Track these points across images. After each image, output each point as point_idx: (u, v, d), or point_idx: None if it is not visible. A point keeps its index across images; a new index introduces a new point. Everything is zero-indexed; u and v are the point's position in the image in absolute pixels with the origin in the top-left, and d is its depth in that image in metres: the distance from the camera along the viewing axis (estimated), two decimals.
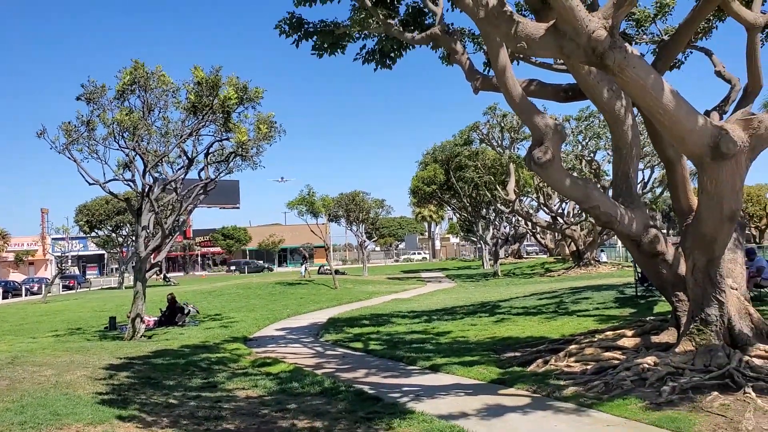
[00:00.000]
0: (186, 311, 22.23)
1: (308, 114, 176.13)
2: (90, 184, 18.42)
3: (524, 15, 14.46)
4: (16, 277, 72.60)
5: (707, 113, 13.81)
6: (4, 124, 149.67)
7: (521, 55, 14.11)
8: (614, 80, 9.31)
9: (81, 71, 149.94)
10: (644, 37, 18.17)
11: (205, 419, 8.40)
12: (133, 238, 61.49)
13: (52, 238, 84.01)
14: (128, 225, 58.43)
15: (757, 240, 64.74)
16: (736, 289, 11.20)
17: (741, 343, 10.24)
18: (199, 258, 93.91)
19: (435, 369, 11.85)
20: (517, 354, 12.68)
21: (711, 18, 15.89)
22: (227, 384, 11.06)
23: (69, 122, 18.06)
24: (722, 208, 9.32)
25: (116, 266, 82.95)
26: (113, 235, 61.13)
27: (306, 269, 46.63)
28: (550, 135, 9.96)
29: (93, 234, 62.91)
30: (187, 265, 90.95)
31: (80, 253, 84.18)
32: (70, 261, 73.72)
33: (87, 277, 69.16)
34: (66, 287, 55.80)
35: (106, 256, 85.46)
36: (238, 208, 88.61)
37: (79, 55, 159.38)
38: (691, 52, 18.18)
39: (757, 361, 9.73)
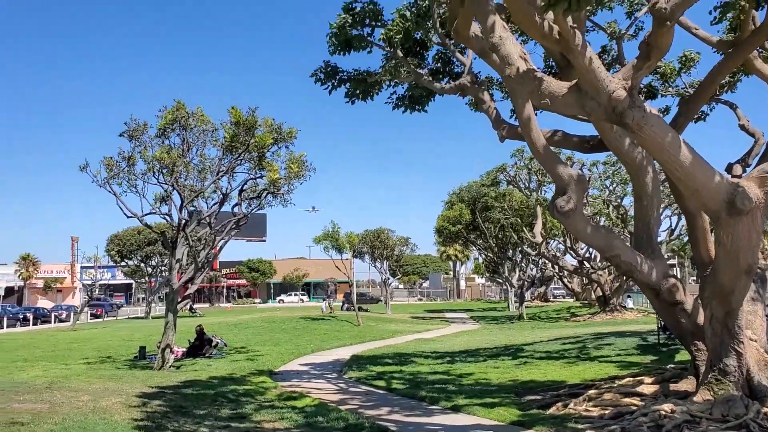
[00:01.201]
0: (214, 343, 22.71)
1: (336, 149, 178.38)
2: (128, 217, 19.19)
3: (552, 67, 15.03)
4: (44, 303, 74.02)
5: (730, 166, 14.17)
6: (38, 153, 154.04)
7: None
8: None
9: (112, 106, 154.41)
10: (670, 89, 18.59)
11: None
12: (162, 269, 62.71)
13: (81, 266, 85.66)
14: (158, 256, 59.47)
15: None
16: (756, 341, 11.37)
17: (760, 394, 10.38)
18: (225, 290, 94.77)
19: (456, 409, 12.12)
20: (538, 397, 12.90)
21: (736, 71, 16.24)
22: (255, 416, 11.46)
23: (111, 157, 18.90)
24: (739, 262, 9.62)
25: (143, 296, 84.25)
26: (143, 265, 62.19)
27: (328, 305, 46.97)
28: (572, 185, 10.38)
29: (123, 263, 64.06)
30: (212, 296, 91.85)
31: (108, 282, 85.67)
32: (97, 290, 75.05)
33: (113, 304, 70.12)
34: (94, 315, 56.75)
35: (134, 285, 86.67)
36: (264, 241, 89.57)
37: (115, 92, 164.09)
38: (717, 105, 18.57)
39: None
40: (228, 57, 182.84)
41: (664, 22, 8.15)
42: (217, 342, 23.19)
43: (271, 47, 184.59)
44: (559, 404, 11.85)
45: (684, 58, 17.86)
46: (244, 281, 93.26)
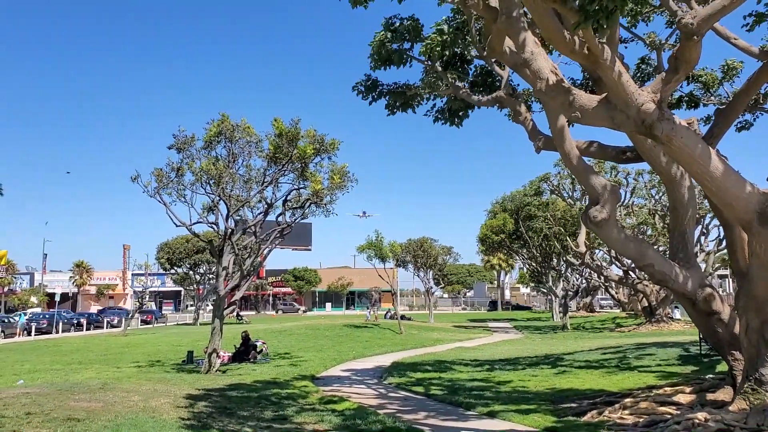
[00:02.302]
0: (258, 349, 23.36)
1: (378, 160, 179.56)
2: (177, 225, 19.95)
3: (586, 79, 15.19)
4: (96, 310, 76.35)
5: None
6: (92, 163, 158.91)
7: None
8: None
9: (159, 118, 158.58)
10: (712, 99, 18.48)
11: None
12: (209, 277, 64.16)
13: (132, 274, 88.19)
14: (206, 263, 60.86)
15: None
16: None
17: None
18: (271, 297, 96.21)
19: (492, 415, 12.35)
20: (574, 405, 13.03)
21: None
22: (296, 417, 11.89)
23: (160, 169, 19.72)
24: None
25: (191, 303, 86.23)
26: (191, 272, 63.73)
27: (372, 313, 47.43)
28: (606, 195, 10.59)
29: (172, 271, 65.73)
30: (258, 304, 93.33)
31: (158, 289, 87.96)
32: (148, 296, 77.10)
33: (163, 312, 72.00)
34: (144, 321, 58.38)
35: (182, 292, 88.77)
36: (309, 250, 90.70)
37: (164, 105, 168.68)
38: (761, 114, 18.41)
39: None
40: (272, 71, 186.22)
41: (691, 37, 8.33)
42: (262, 348, 23.81)
43: (313, 61, 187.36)
44: (594, 412, 11.97)
45: (726, 67, 17.77)
46: (289, 289, 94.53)
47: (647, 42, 16.86)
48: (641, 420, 11.01)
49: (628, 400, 12.43)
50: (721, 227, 41.31)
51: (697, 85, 18.22)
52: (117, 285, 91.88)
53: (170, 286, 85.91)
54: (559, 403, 13.33)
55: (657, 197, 44.20)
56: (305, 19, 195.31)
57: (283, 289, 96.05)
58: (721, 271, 64.90)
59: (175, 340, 33.46)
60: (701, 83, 18.08)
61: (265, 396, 14.32)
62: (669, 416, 10.90)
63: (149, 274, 78.50)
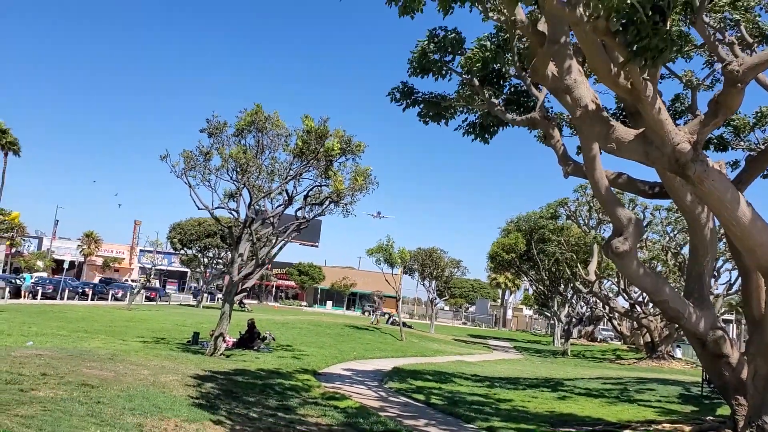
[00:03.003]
0: (262, 337, 23.58)
1: (400, 163, 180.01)
2: (199, 208, 20.25)
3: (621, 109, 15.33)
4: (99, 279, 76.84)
5: None
6: (112, 137, 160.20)
7: None
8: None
9: (187, 100, 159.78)
10: (741, 143, 18.54)
11: None
12: (218, 261, 64.57)
13: (140, 249, 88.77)
14: (215, 248, 61.27)
15: None
16: None
17: None
18: (274, 289, 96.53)
19: (491, 430, 12.48)
20: (573, 430, 13.14)
21: None
22: (299, 409, 12.08)
23: (190, 151, 20.02)
24: None
25: (195, 285, 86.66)
26: (199, 255, 64.16)
27: (376, 316, 47.66)
28: (630, 228, 10.73)
29: (182, 252, 66.17)
30: (261, 294, 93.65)
31: (165, 268, 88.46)
32: (153, 274, 77.64)
33: (167, 291, 72.44)
34: (148, 298, 58.82)
35: (188, 273, 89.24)
36: (317, 246, 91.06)
37: (193, 88, 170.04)
38: None
39: None
40: (306, 68, 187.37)
41: (734, 84, 8.49)
42: (266, 336, 24.03)
43: (348, 63, 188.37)
44: None
45: (760, 114, 17.83)
46: (292, 283, 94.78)
47: (683, 80, 16.97)
48: None
49: (626, 431, 12.55)
50: (733, 272, 41.36)
51: (728, 129, 18.29)
52: (124, 259, 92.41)
53: (176, 266, 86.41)
54: (558, 427, 13.43)
55: (672, 234, 44.13)
56: (346, 21, 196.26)
57: (287, 282, 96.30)
58: (726, 316, 64.60)
59: (179, 320, 33.79)
60: (732, 127, 18.15)
61: (269, 385, 14.53)
62: None
63: (157, 252, 79.13)
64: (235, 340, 22.88)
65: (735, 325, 64.02)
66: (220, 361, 18.03)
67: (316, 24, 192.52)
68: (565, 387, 21.16)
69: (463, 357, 33.37)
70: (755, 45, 14.38)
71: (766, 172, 18.45)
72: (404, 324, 43.64)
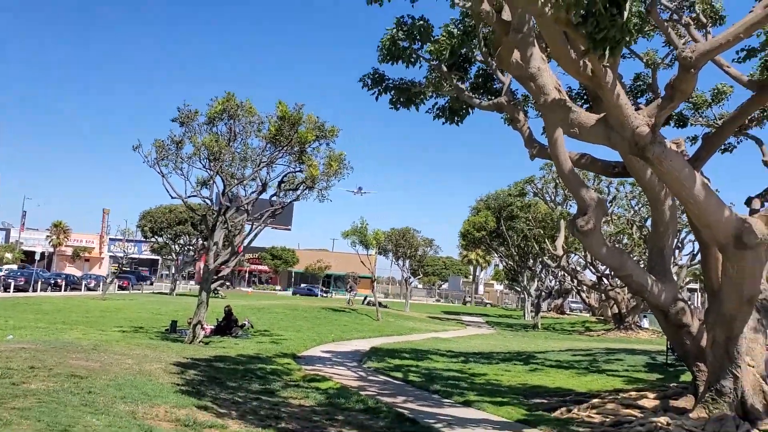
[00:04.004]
0: (241, 324, 23.89)
1: (371, 146, 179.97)
2: (172, 197, 20.41)
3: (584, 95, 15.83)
4: (72, 271, 76.09)
5: (750, 199, 14.89)
6: (78, 124, 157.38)
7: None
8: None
9: (158, 88, 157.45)
10: (700, 119, 19.22)
11: (267, 417, 9.84)
12: (189, 248, 64.39)
13: (110, 238, 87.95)
14: (186, 235, 61.09)
15: None
16: (754, 367, 12.12)
17: (752, 416, 11.14)
18: (247, 274, 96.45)
19: (467, 404, 13.05)
20: (545, 401, 13.76)
21: (765, 108, 16.82)
22: (282, 392, 12.49)
23: (162, 140, 20.12)
24: (742, 292, 10.41)
25: (166, 272, 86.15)
26: (171, 243, 63.91)
27: (349, 298, 48.28)
28: (593, 207, 11.21)
29: (153, 239, 65.82)
30: (234, 279, 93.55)
31: (135, 256, 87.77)
32: (122, 262, 77.07)
33: (144, 278, 72.15)
34: (120, 287, 58.53)
35: (159, 261, 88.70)
36: (289, 229, 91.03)
37: (160, 77, 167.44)
38: (744, 139, 19.17)
39: None
40: (277, 53, 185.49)
41: (688, 69, 8.97)
42: (245, 323, 24.32)
43: (320, 46, 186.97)
44: (564, 409, 12.70)
45: (716, 91, 18.48)
46: (266, 267, 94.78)
47: (644, 60, 17.53)
48: (607, 420, 11.75)
49: (595, 400, 13.17)
50: (694, 243, 42.55)
51: (687, 105, 18.92)
52: (94, 248, 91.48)
53: (147, 254, 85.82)
54: (531, 398, 14.05)
55: (636, 208, 45.24)
56: (314, 7, 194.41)
57: (260, 267, 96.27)
58: (691, 285, 66.42)
59: (154, 308, 33.86)
60: (691, 104, 18.79)
61: (250, 370, 14.89)
62: (633, 418, 11.64)
63: (127, 240, 78.46)
64: (213, 327, 23.13)
65: (699, 294, 65.85)
66: (199, 348, 18.33)
67: (288, 11, 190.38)
68: (536, 360, 21.88)
69: (438, 334, 34.07)
70: (710, 25, 14.96)
71: (723, 147, 19.25)
72: (380, 304, 44.20)
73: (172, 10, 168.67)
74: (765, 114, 17.56)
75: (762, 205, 14.59)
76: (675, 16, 14.86)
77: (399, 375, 16.72)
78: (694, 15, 14.89)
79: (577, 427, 11.09)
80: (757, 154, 16.86)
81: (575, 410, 12.48)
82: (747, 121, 18.22)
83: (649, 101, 17.16)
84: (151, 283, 65.67)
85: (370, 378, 16.17)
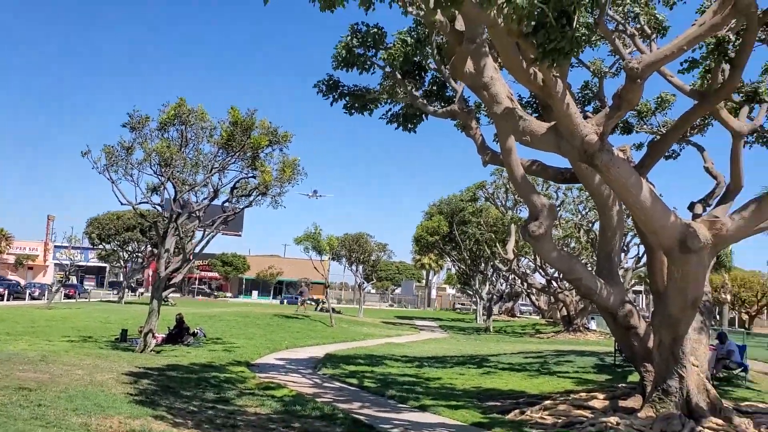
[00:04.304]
0: (193, 332, 23.54)
1: (324, 151, 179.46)
2: (122, 204, 20.03)
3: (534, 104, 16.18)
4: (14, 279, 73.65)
5: (692, 204, 15.43)
6: (22, 132, 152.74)
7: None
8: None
9: (109, 96, 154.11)
10: (644, 127, 19.83)
11: (223, 426, 9.78)
12: (138, 255, 63.08)
13: (55, 246, 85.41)
14: (135, 242, 59.89)
15: (747, 326, 65.70)
16: (698, 367, 12.57)
17: (697, 414, 11.57)
18: (197, 282, 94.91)
19: (423, 408, 13.16)
20: (498, 403, 14.00)
21: (706, 117, 17.46)
22: (237, 401, 12.38)
23: (111, 146, 19.73)
24: (686, 295, 10.81)
25: (114, 279, 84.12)
26: (119, 250, 62.53)
27: (301, 304, 47.99)
28: (545, 213, 11.50)
29: (100, 247, 64.29)
30: (184, 287, 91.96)
31: (81, 264, 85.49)
32: (69, 270, 75.04)
33: (86, 288, 70.19)
34: (67, 296, 57.00)
35: (107, 269, 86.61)
36: (239, 235, 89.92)
37: (110, 85, 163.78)
38: (686, 145, 19.86)
39: None
40: (231, 59, 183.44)
41: (635, 80, 9.30)
42: (197, 332, 23.97)
43: (273, 53, 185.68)
44: (517, 411, 12.94)
45: (660, 99, 19.11)
46: (216, 274, 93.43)
47: (591, 69, 18.01)
48: (559, 421, 12.03)
49: (547, 402, 13.47)
50: (640, 246, 43.75)
51: (633, 113, 19.51)
52: (38, 256, 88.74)
53: (94, 261, 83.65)
54: (485, 401, 14.27)
55: (583, 213, 46.28)
56: (267, 14, 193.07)
57: (210, 274, 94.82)
58: (636, 288, 68.29)
59: (103, 317, 33.05)
60: (636, 112, 19.37)
61: (204, 378, 14.72)
62: (584, 419, 11.95)
63: (73, 248, 76.36)
64: (164, 335, 22.74)
65: (644, 296, 67.75)
66: (151, 357, 18.01)
67: (243, 17, 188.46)
68: (489, 363, 22.19)
69: (392, 339, 34.17)
70: (654, 36, 15.49)
71: (667, 154, 19.91)
72: (333, 310, 44.06)
73: (124, 10, 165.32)
74: (706, 122, 18.24)
75: (704, 210, 15.11)
76: (621, 27, 15.32)
77: (354, 381, 16.75)
78: (638, 26, 15.38)
79: (531, 429, 11.33)
80: (699, 160, 17.45)
81: (528, 412, 12.73)
82: (689, 129, 18.94)
83: (596, 109, 17.69)
84: (86, 292, 63.82)
85: (326, 385, 16.16)
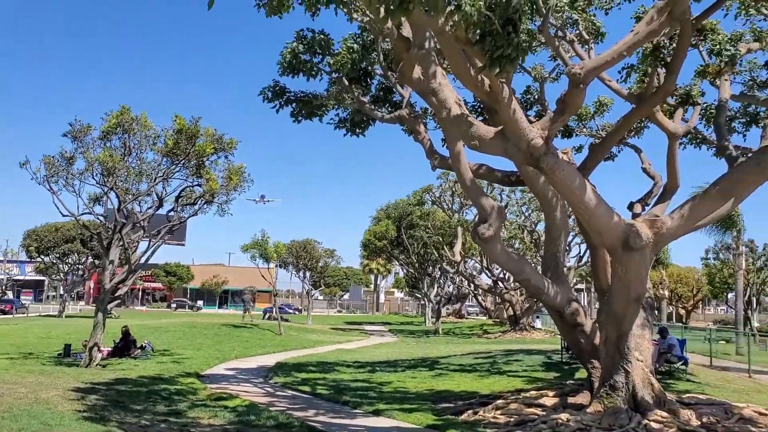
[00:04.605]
0: (141, 345, 23.03)
1: (271, 157, 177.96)
2: (64, 215, 19.46)
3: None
4: None
5: (632, 204, 15.94)
6: None
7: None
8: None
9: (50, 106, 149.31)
10: (584, 130, 20.40)
11: None
12: (78, 267, 61.25)
13: None
14: (76, 254, 58.17)
15: (684, 320, 68.09)
16: (642, 362, 12.99)
17: (642, 408, 11.94)
18: (140, 293, 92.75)
19: (377, 413, 13.22)
20: (452, 405, 14.16)
21: (643, 119, 18.08)
22: (189, 413, 12.20)
23: (51, 156, 19.16)
24: (630, 292, 11.18)
25: (53, 293, 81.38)
26: (58, 263, 60.60)
27: (247, 313, 47.47)
28: (493, 215, 11.72)
29: (38, 259, 62.18)
30: (127, 298, 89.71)
31: (18, 277, 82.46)
32: (6, 285, 72.32)
33: (23, 302, 67.75)
34: (1, 311, 54.99)
35: (46, 282, 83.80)
36: (183, 245, 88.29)
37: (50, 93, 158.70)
38: (624, 147, 20.51)
39: (654, 425, 11.43)
40: (173, 66, 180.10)
41: (577, 85, 9.60)
42: (144, 345, 23.44)
43: (218, 60, 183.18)
44: (471, 412, 13.12)
45: (599, 103, 19.71)
46: (159, 285, 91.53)
47: (533, 74, 18.45)
48: (512, 420, 12.25)
49: (499, 401, 13.69)
50: (582, 245, 44.83)
51: (573, 117, 20.04)
52: None
53: (31, 275, 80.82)
54: (438, 403, 14.41)
55: (527, 214, 47.22)
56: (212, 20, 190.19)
57: (153, 284, 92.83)
58: (578, 286, 69.88)
59: (43, 332, 31.97)
60: (576, 116, 19.92)
61: (154, 391, 14.43)
62: (536, 417, 12.20)
63: (9, 261, 73.60)
64: (109, 349, 22.16)
65: (585, 294, 69.46)
66: (97, 372, 17.55)
67: (187, 25, 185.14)
68: (440, 365, 22.41)
69: (342, 345, 34.12)
70: (591, 42, 15.98)
71: (606, 156, 20.54)
72: (282, 317, 43.72)
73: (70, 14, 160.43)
74: (642, 124, 18.89)
75: (643, 209, 15.64)
76: (560, 33, 15.76)
77: (307, 388, 16.68)
78: (577, 32, 15.84)
79: (485, 429, 11.51)
80: (636, 160, 18.03)
81: (482, 412, 12.92)
82: (621, 137, 19.59)
83: (538, 113, 18.13)
84: (24, 307, 61.59)
85: (278, 393, 16.05)
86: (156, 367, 19.36)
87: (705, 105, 16.96)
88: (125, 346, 22.44)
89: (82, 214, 19.96)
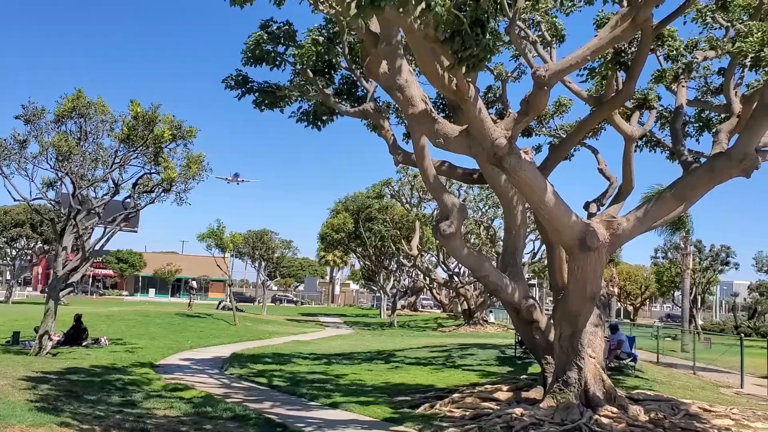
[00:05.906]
0: (96, 339, 22.58)
1: (229, 147, 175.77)
2: (15, 200, 18.95)
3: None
4: None
5: (587, 204, 16.29)
6: None
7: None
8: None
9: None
10: (543, 130, 20.72)
11: (133, 430, 9.53)
12: (26, 252, 59.70)
13: None
14: (24, 238, 56.66)
15: (632, 317, 69.85)
16: (594, 358, 13.34)
17: (594, 403, 12.26)
18: (91, 279, 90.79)
19: (334, 406, 13.29)
20: (408, 398, 14.30)
21: (600, 121, 18.44)
22: (144, 403, 12.06)
23: (4, 139, 18.64)
24: (585, 290, 11.45)
25: (0, 279, 79.13)
26: (6, 247, 58.94)
27: (190, 302, 46.96)
28: (455, 212, 11.87)
29: None
30: (77, 285, 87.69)
31: None
32: None
33: None
34: None
35: None
36: (136, 232, 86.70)
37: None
38: (581, 148, 20.91)
39: (604, 420, 11.75)
40: (138, 56, 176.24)
41: (542, 87, 9.78)
42: (100, 339, 22.92)
43: (184, 48, 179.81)
44: (427, 405, 13.28)
45: (558, 104, 20.04)
46: (111, 272, 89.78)
47: (494, 73, 18.65)
48: (467, 413, 12.45)
49: (455, 395, 13.90)
50: (536, 242, 45.56)
51: None
52: None
53: None
54: (394, 396, 14.54)
55: (483, 210, 47.76)
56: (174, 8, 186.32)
57: (104, 271, 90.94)
58: (531, 282, 70.97)
59: None
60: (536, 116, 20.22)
61: (108, 381, 14.22)
62: (491, 411, 12.42)
63: None
64: (60, 337, 21.68)
65: (537, 289, 70.63)
66: (48, 360, 17.19)
67: (149, 11, 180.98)
68: (396, 358, 22.58)
69: (298, 337, 34.07)
70: (554, 42, 16.24)
71: (565, 156, 20.92)
72: (236, 308, 43.35)
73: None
74: (599, 126, 19.27)
75: (598, 209, 16.00)
76: (523, 34, 15.98)
77: (263, 380, 16.64)
78: (539, 33, 16.08)
79: (441, 422, 11.66)
80: (593, 161, 18.39)
81: (437, 405, 13.09)
82: (580, 138, 19.98)
83: (499, 112, 18.34)
84: None
85: (234, 385, 15.97)
86: (109, 357, 19.05)
87: (661, 109, 17.41)
88: (77, 334, 22.00)
89: (35, 198, 19.49)
